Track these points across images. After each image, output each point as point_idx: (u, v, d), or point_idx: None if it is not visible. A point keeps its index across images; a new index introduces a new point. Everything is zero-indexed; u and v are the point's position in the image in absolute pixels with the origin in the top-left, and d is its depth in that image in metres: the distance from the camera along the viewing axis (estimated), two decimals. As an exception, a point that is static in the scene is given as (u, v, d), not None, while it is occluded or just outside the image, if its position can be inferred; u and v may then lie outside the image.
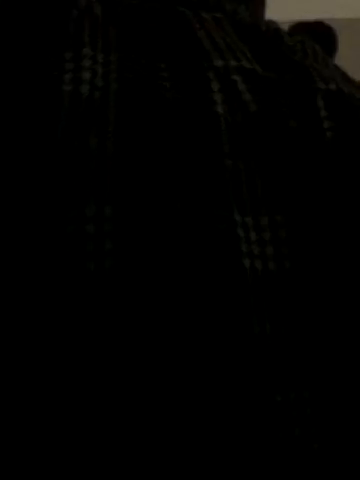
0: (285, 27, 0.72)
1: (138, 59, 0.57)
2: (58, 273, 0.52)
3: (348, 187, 0.60)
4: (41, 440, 0.70)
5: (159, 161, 0.54)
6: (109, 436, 0.68)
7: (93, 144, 0.54)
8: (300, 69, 0.63)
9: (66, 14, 0.59)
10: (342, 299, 0.60)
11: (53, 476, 0.69)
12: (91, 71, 0.56)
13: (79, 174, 0.53)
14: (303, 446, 0.60)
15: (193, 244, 0.53)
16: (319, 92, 0.62)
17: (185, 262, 0.53)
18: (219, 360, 0.56)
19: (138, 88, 0.56)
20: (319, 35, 0.72)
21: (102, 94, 0.55)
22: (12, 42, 0.57)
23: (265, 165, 0.57)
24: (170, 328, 0.53)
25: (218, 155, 0.55)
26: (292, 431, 0.61)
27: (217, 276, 0.53)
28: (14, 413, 0.67)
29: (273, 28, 0.66)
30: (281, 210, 0.56)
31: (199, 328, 0.53)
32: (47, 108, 0.55)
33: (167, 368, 0.56)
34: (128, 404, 0.63)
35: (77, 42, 0.57)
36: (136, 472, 0.71)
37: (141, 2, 0.61)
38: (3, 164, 0.54)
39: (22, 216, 0.53)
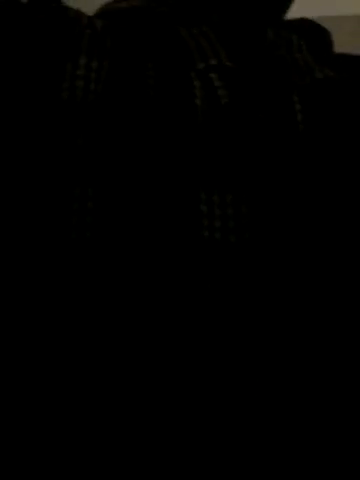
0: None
1: (128, 62, 0.67)
2: (49, 240, 0.63)
3: (317, 172, 0.68)
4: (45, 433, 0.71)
5: (138, 145, 0.64)
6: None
7: (80, 142, 0.64)
8: (279, 63, 0.72)
9: (69, 29, 0.68)
10: (298, 267, 0.67)
11: (53, 476, 0.70)
12: (84, 78, 0.66)
13: (69, 162, 0.64)
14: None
15: (160, 218, 0.63)
16: (295, 86, 0.70)
17: (152, 233, 0.63)
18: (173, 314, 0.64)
19: (124, 87, 0.65)
20: (308, 31, 0.79)
21: (95, 97, 0.65)
22: (23, 56, 0.66)
23: (233, 149, 0.66)
24: (137, 287, 0.63)
25: (193, 140, 0.65)
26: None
27: (177, 245, 0.63)
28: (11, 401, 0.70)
29: (259, 28, 0.75)
30: (244, 188, 0.65)
31: (159, 290, 0.63)
32: (48, 113, 0.64)
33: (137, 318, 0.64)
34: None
35: (76, 53, 0.67)
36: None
37: (136, 16, 0.71)
38: (10, 156, 0.64)
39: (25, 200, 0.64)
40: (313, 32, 0.79)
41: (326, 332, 0.67)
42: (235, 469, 0.67)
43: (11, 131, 0.64)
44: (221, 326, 0.65)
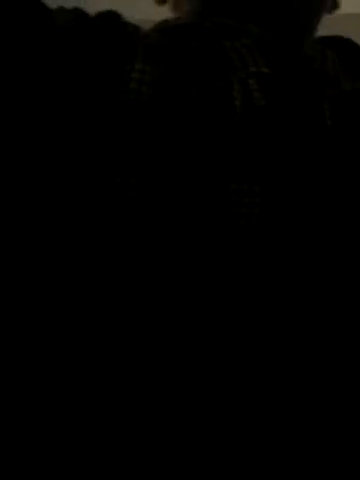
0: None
1: (176, 70, 0.76)
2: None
3: (342, 171, 0.77)
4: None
5: (181, 141, 0.73)
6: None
7: (130, 135, 0.73)
8: (313, 74, 0.82)
9: (128, 40, 0.78)
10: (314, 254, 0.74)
11: (54, 476, 0.69)
12: (138, 81, 0.75)
13: (118, 152, 0.73)
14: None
15: (195, 202, 0.72)
16: (326, 95, 0.80)
17: (187, 216, 0.72)
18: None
19: (172, 90, 0.75)
20: (342, 47, 0.91)
21: (147, 98, 0.74)
22: (91, 59, 0.76)
23: (264, 146, 0.75)
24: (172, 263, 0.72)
25: (229, 137, 0.74)
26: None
27: (208, 225, 0.72)
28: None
29: (296, 41, 0.86)
30: (271, 181, 0.74)
31: (191, 268, 0.71)
32: (109, 112, 0.74)
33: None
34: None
35: (133, 58, 0.77)
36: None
37: (192, 33, 0.81)
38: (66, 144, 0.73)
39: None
40: (347, 48, 0.91)
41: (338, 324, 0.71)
42: (235, 469, 0.67)
43: (74, 121, 0.73)
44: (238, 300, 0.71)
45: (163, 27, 0.84)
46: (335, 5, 0.95)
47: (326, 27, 1.13)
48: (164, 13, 0.98)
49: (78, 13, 0.79)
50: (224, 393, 0.69)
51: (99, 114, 0.73)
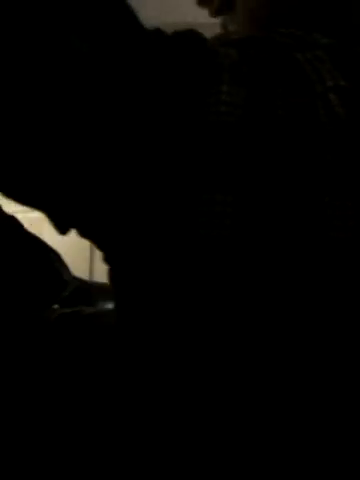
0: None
1: (261, 88, 0.79)
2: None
3: None
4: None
5: (274, 159, 0.76)
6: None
7: (226, 156, 0.76)
8: None
9: (211, 60, 0.80)
10: None
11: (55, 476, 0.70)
12: (225, 104, 0.77)
13: (215, 173, 0.76)
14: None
15: (292, 219, 0.75)
16: None
17: (285, 231, 0.75)
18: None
19: (260, 110, 0.78)
20: None
21: (236, 119, 0.77)
22: (174, 86, 0.78)
23: (354, 158, 0.77)
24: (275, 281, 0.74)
25: (321, 152, 0.77)
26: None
27: (306, 240, 0.74)
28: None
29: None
30: None
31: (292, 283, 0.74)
32: (197, 135, 0.76)
33: None
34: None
35: (218, 81, 0.79)
36: None
37: (266, 47, 0.83)
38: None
39: None
40: None
41: None
42: (235, 468, 0.67)
43: (163, 143, 0.76)
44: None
45: (233, 41, 0.85)
46: None
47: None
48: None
49: (159, 32, 0.81)
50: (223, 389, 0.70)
51: (190, 137, 0.76)
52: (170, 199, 0.75)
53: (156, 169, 0.75)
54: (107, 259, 0.86)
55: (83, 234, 0.85)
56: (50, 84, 0.71)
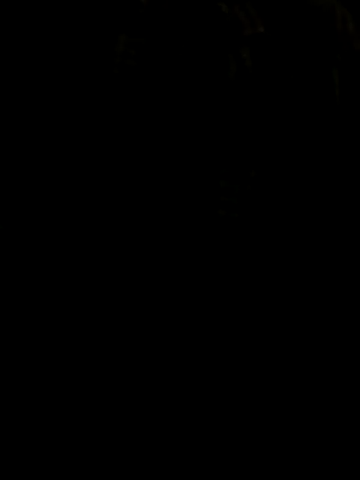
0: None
1: (165, 38, 0.72)
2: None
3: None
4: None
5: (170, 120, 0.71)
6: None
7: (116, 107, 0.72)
8: (317, 32, 0.79)
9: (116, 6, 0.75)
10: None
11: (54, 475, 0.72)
12: (122, 55, 0.72)
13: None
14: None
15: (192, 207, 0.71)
16: (335, 60, 0.77)
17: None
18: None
19: (155, 62, 0.71)
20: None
21: (132, 70, 0.71)
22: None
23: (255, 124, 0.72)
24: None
25: (222, 113, 0.71)
26: None
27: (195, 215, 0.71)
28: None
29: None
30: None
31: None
32: (95, 88, 0.72)
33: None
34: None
35: (119, 29, 0.73)
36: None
37: None
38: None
39: None
40: None
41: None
42: (235, 468, 0.69)
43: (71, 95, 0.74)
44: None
45: None
46: None
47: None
48: None
49: None
50: (222, 390, 0.72)
51: (86, 88, 0.77)
52: None
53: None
54: None
55: None
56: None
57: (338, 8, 0.79)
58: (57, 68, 0.69)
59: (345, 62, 0.73)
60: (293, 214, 0.67)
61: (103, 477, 0.79)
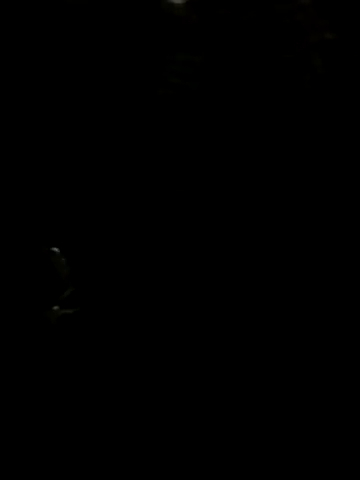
0: None
1: (221, 56, 0.69)
2: None
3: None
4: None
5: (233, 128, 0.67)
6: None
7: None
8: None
9: (165, 24, 0.72)
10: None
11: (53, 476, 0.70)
12: (178, 75, 0.69)
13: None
14: None
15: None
16: None
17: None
18: None
19: (213, 83, 0.69)
20: None
21: (186, 92, 0.68)
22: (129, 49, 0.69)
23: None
24: None
25: (299, 117, 0.67)
26: None
27: None
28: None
29: None
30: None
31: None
32: (147, 111, 0.68)
33: None
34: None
35: (173, 48, 0.69)
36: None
37: (238, 6, 0.71)
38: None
39: None
40: None
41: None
42: (235, 468, 0.67)
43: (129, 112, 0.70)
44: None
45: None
46: None
47: None
48: None
49: None
50: (220, 387, 0.69)
51: (137, 110, 0.73)
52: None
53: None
54: None
55: None
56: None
57: None
58: (103, 84, 0.67)
59: None
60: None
61: (103, 477, 0.79)
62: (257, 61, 0.70)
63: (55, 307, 1.53)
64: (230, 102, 0.69)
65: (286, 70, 0.67)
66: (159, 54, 0.68)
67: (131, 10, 0.70)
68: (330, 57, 0.68)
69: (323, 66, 0.66)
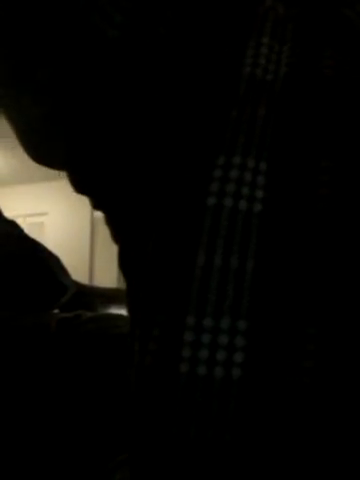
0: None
1: (306, 48, 0.69)
2: None
3: None
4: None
5: (330, 113, 0.65)
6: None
7: (261, 113, 0.65)
8: None
9: (253, 10, 0.71)
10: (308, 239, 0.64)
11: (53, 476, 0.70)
12: (266, 58, 0.68)
13: (241, 131, 0.65)
14: None
15: (346, 199, 0.61)
16: None
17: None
18: None
19: (302, 71, 0.67)
20: None
21: (273, 77, 0.67)
22: (206, 34, 0.69)
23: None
24: None
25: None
26: None
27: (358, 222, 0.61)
28: None
29: None
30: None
31: None
32: (227, 87, 0.66)
33: None
34: None
35: (259, 33, 0.70)
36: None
37: (313, 5, 0.73)
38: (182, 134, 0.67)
39: None
40: None
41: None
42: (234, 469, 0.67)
43: (189, 98, 0.67)
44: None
45: None
46: None
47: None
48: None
49: None
50: None
51: (219, 90, 0.67)
52: (187, 159, 0.65)
53: (176, 123, 0.67)
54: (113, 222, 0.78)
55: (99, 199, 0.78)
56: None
57: None
58: None
59: None
60: None
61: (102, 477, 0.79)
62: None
63: (55, 311, 1.53)
64: None
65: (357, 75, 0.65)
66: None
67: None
68: (342, 59, 0.67)
69: (333, 67, 0.64)
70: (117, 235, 0.76)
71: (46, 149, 0.74)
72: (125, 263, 0.74)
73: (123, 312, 1.64)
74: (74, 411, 0.90)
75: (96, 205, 0.78)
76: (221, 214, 0.61)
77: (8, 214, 1.59)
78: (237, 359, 0.57)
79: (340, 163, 0.62)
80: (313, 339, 0.57)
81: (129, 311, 0.72)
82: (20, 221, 1.66)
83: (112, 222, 0.76)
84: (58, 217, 7.75)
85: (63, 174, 0.83)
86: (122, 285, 0.85)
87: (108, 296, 1.88)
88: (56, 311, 1.48)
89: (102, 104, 0.69)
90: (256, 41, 0.69)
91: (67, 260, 1.69)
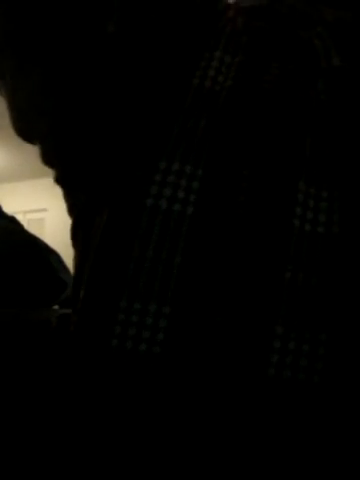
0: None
1: (253, 62, 0.74)
2: None
3: None
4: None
5: (260, 126, 0.71)
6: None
7: (203, 123, 0.72)
8: None
9: (214, 22, 0.76)
10: None
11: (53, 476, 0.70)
12: (216, 70, 0.73)
13: (186, 138, 0.71)
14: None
15: (260, 205, 0.69)
16: None
17: (252, 219, 0.69)
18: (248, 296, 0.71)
19: (244, 84, 0.72)
20: None
21: (220, 88, 0.72)
22: (166, 43, 0.74)
23: (335, 148, 0.72)
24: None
25: (301, 135, 0.72)
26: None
27: (269, 228, 0.69)
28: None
29: None
30: (339, 187, 0.71)
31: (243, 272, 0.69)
32: (176, 96, 0.72)
33: None
34: None
35: (214, 46, 0.75)
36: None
37: (270, 23, 0.78)
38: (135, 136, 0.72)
39: None
40: None
41: None
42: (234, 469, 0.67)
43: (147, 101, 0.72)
44: None
45: (244, 9, 0.81)
46: None
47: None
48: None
49: None
50: None
51: (168, 98, 0.72)
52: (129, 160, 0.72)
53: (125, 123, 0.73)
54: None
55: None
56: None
57: None
58: None
59: None
60: None
61: (103, 477, 0.78)
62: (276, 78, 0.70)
63: (55, 307, 1.53)
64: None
65: (295, 91, 0.68)
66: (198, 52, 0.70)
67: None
68: (334, 83, 0.69)
69: (326, 91, 0.66)
70: (71, 211, 0.85)
71: (33, 122, 0.80)
72: (75, 237, 0.85)
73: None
74: (73, 407, 0.90)
75: (57, 179, 0.84)
76: (157, 214, 0.69)
77: (8, 210, 1.59)
78: (159, 337, 0.67)
79: (257, 172, 0.69)
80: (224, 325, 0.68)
81: (74, 279, 0.83)
82: (20, 217, 1.66)
83: (68, 197, 0.84)
84: (58, 213, 7.76)
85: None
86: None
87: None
88: (56, 307, 1.48)
89: (89, 82, 0.75)
90: (210, 53, 0.74)
91: (67, 256, 1.69)
